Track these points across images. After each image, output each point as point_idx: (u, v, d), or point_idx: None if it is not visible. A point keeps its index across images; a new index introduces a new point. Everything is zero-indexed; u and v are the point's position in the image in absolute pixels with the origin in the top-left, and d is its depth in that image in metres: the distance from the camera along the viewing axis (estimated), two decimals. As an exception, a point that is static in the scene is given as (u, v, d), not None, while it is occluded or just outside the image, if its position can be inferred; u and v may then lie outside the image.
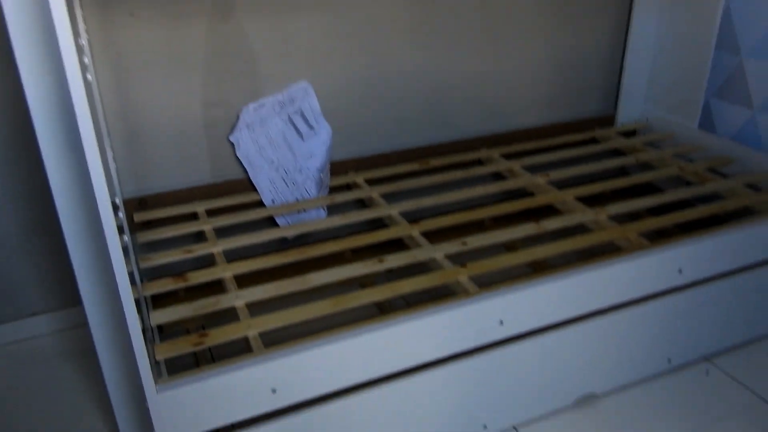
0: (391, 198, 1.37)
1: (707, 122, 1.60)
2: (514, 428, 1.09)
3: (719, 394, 1.16)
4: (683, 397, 1.16)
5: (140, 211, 1.31)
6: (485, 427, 1.07)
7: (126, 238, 0.94)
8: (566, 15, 1.58)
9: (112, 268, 0.76)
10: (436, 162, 1.51)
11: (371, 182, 1.44)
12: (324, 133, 1.41)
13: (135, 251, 1.23)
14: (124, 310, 0.78)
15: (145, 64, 1.24)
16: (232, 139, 1.36)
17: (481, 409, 1.05)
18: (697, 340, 1.21)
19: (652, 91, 1.71)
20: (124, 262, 0.76)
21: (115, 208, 0.80)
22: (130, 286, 0.78)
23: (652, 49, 1.68)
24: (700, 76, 1.57)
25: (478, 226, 1.53)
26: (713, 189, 1.35)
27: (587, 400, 1.14)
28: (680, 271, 1.12)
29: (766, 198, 1.29)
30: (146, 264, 1.14)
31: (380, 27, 1.40)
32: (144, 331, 0.99)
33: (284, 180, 1.39)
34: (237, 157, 1.37)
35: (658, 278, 1.11)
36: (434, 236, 1.23)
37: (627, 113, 1.74)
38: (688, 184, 1.43)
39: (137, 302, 1.04)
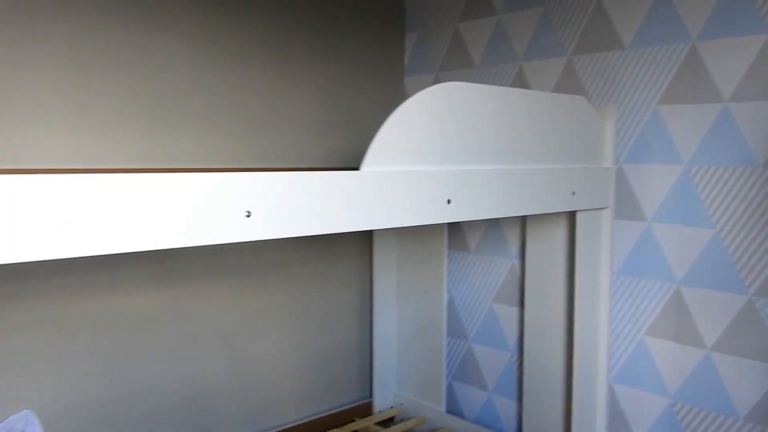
0: None
1: (454, 404, 1.70)
2: None
3: None
4: None
5: None
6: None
7: None
8: (315, 317, 1.66)
9: None
10: (187, 482, 1.37)
11: None
12: (52, 467, 1.22)
13: None
14: None
15: None
16: (-76, 493, 1.11)
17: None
18: None
19: (402, 376, 1.80)
20: None
21: None
22: None
23: (396, 339, 1.80)
24: (438, 360, 1.70)
25: None
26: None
27: None
28: None
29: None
30: None
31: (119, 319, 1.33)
32: None
33: None
34: None
35: None
36: None
37: (382, 399, 1.79)
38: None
39: None
